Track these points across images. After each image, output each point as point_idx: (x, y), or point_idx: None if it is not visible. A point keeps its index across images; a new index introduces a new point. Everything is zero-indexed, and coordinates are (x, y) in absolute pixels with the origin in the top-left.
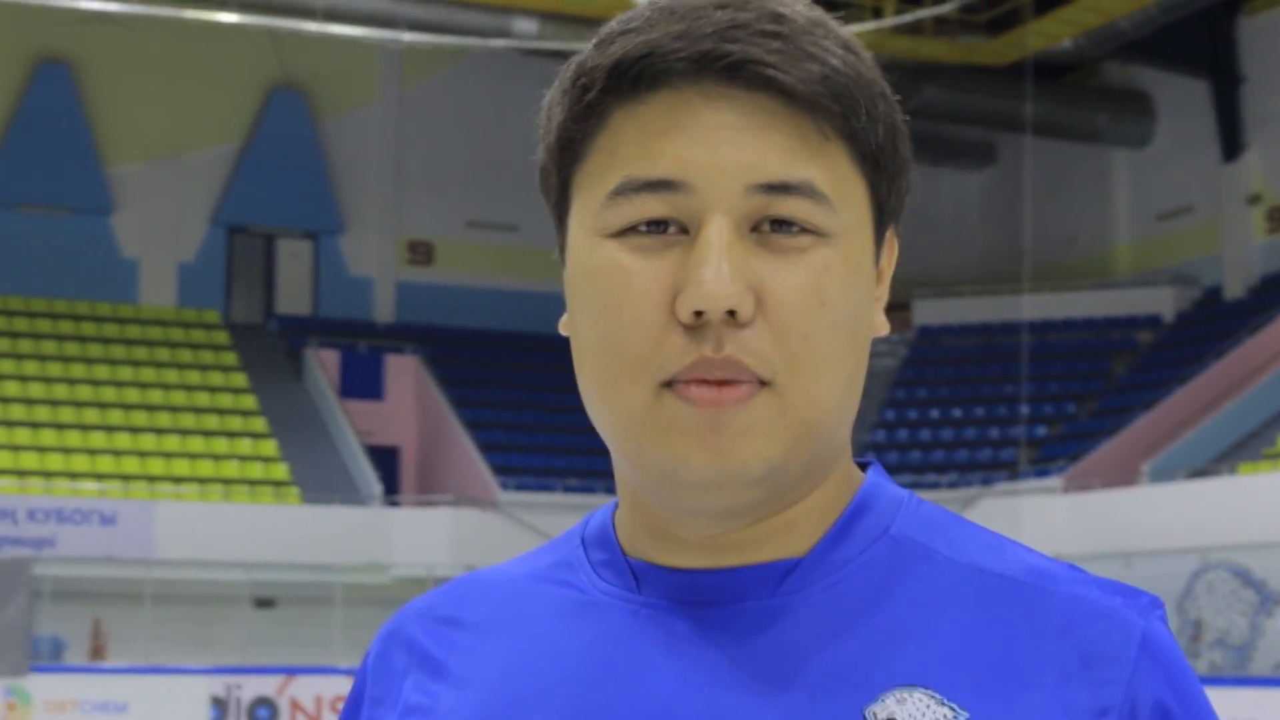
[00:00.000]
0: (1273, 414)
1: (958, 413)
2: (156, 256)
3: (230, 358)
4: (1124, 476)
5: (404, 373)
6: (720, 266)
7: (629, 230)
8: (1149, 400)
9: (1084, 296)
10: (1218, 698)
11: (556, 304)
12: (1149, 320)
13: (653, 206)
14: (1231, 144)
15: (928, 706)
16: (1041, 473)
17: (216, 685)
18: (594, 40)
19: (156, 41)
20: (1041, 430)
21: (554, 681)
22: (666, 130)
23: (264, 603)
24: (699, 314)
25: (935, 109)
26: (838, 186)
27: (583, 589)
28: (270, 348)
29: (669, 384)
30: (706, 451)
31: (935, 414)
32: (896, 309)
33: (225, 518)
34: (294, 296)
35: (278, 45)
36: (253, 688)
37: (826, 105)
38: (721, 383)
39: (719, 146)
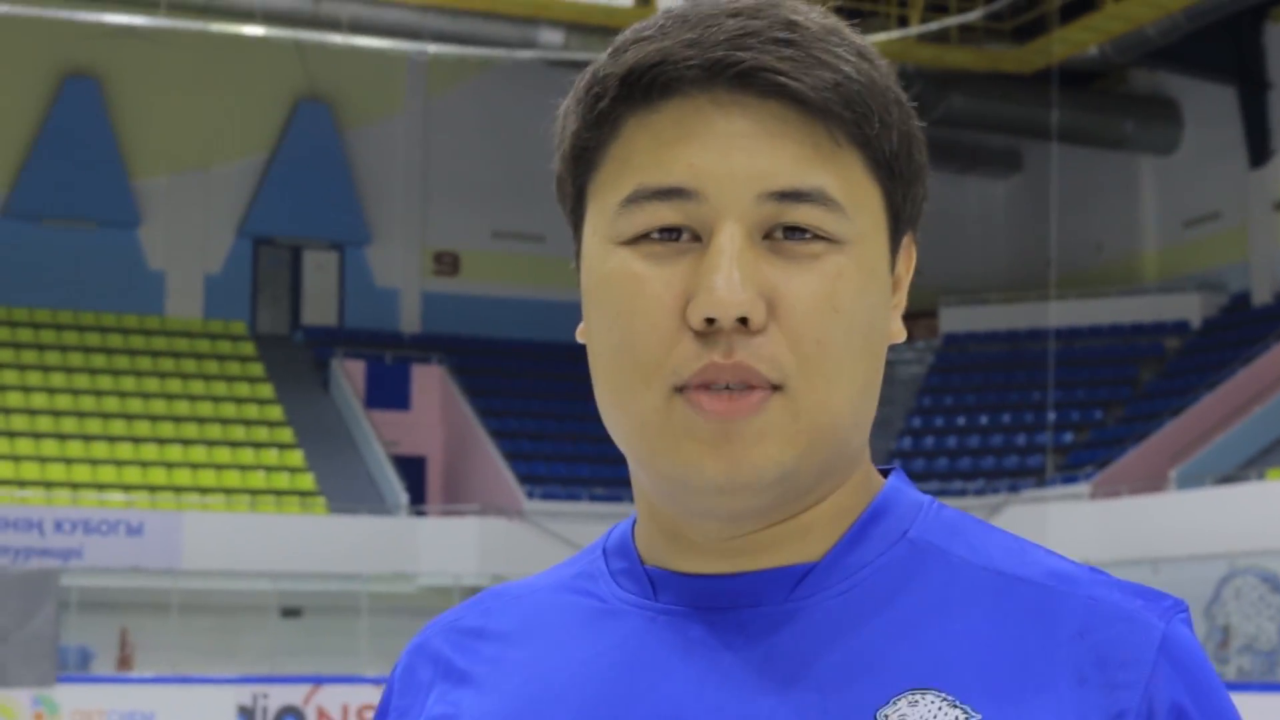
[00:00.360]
0: None
1: (984, 420)
2: (183, 268)
3: (256, 369)
4: (1151, 483)
5: (430, 383)
6: (732, 274)
7: (642, 238)
8: (1176, 406)
9: (1111, 303)
10: (1246, 703)
11: (581, 314)
12: (1176, 326)
13: (665, 214)
14: (1259, 150)
15: (940, 708)
16: (1069, 479)
17: (243, 694)
18: (608, 49)
19: (183, 55)
20: (1068, 437)
21: (572, 686)
22: (679, 138)
23: (290, 612)
24: (710, 321)
25: (961, 117)
26: (851, 193)
27: (603, 598)
28: (296, 358)
29: (681, 390)
30: (719, 458)
31: (962, 421)
32: (923, 316)
33: (252, 528)
34: (320, 307)
35: (303, 57)
36: (279, 697)
37: (839, 112)
38: (731, 391)
39: (731, 154)
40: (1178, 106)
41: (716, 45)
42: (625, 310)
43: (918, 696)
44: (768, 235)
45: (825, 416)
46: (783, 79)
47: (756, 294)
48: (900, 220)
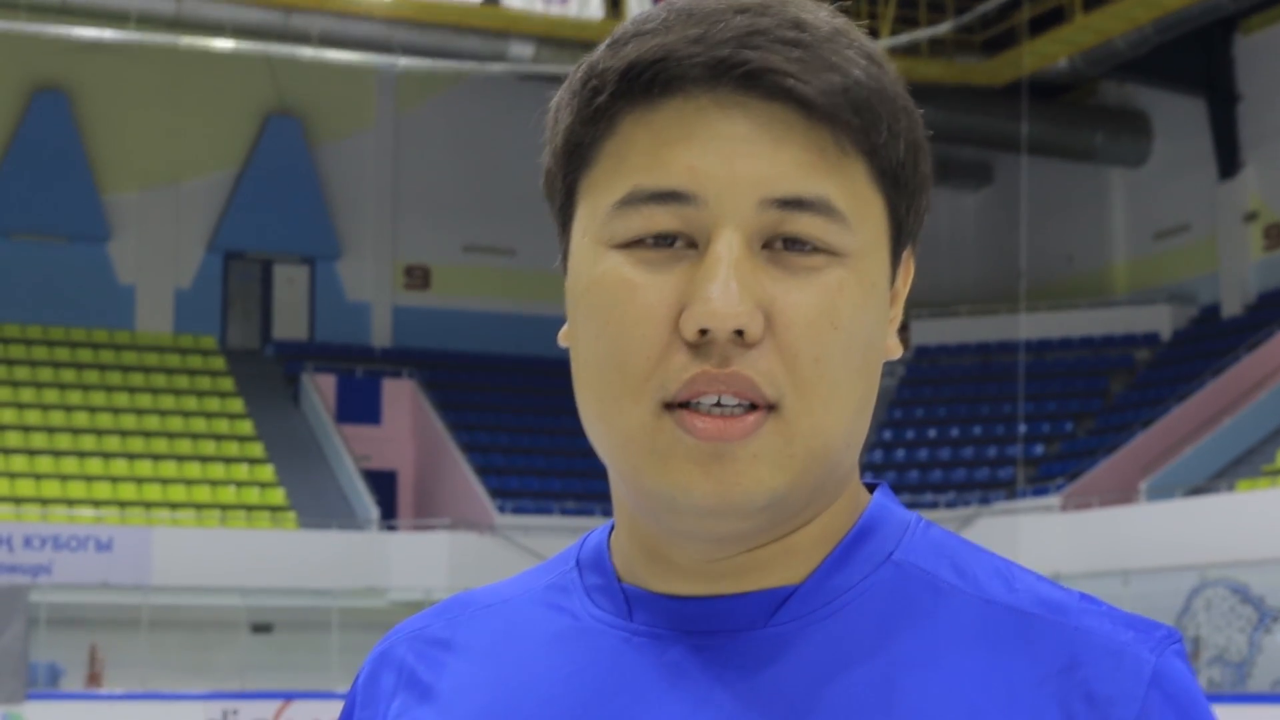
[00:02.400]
0: (1270, 431)
1: (955, 432)
2: (153, 283)
3: (227, 383)
4: (1122, 494)
5: (401, 397)
6: (729, 284)
7: (635, 242)
8: (1147, 418)
9: (1081, 315)
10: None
11: (554, 327)
12: (1146, 338)
13: (661, 218)
14: (1228, 162)
15: None
16: (1039, 491)
17: (213, 711)
18: (606, 40)
19: (152, 69)
20: (1039, 449)
21: (540, 709)
22: (678, 139)
23: (261, 628)
24: (704, 332)
25: (931, 129)
26: (855, 204)
27: (575, 614)
28: (267, 373)
29: (671, 407)
30: (708, 479)
31: (933, 434)
32: None
33: (222, 543)
34: (290, 322)
35: (273, 72)
36: (250, 713)
37: (846, 118)
38: (725, 411)
39: (732, 158)
40: (1147, 119)
41: (722, 43)
42: (615, 318)
43: None
44: (767, 244)
45: (819, 440)
46: (790, 82)
47: (754, 306)
48: (902, 233)
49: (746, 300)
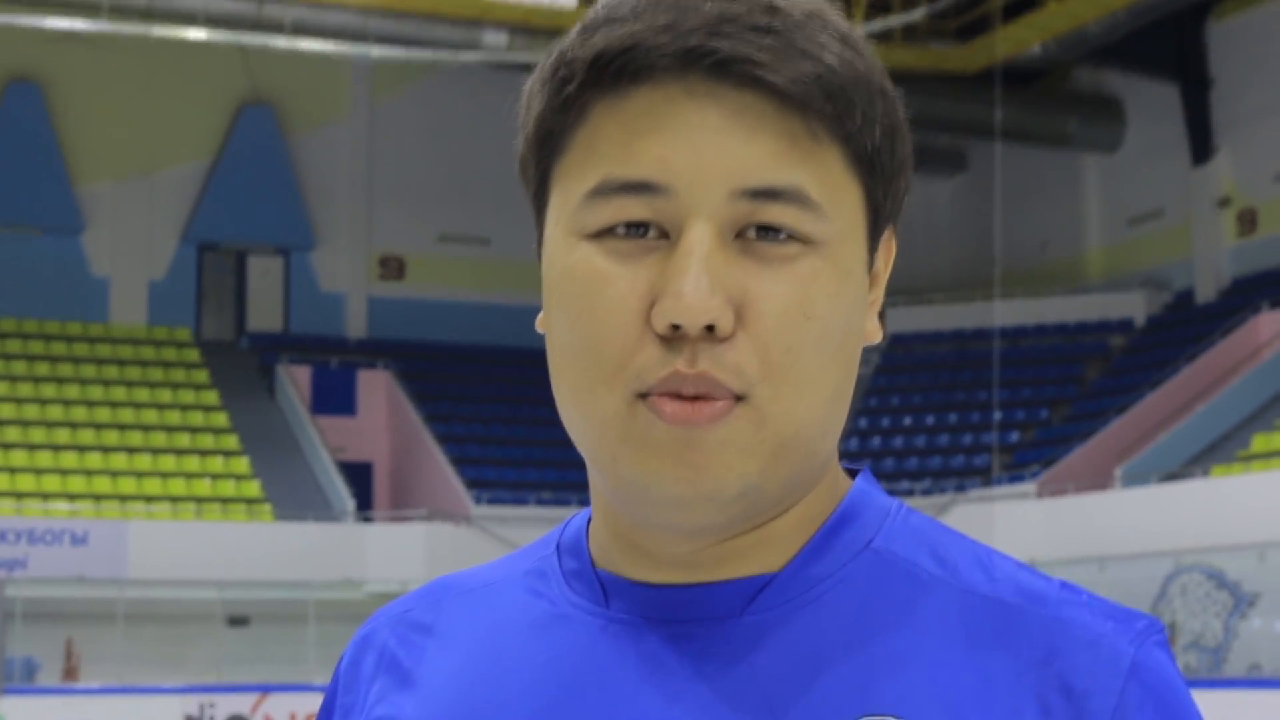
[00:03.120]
0: (1245, 416)
1: (931, 419)
2: (127, 275)
3: (202, 375)
4: (1097, 481)
5: (376, 388)
6: (700, 278)
7: (606, 232)
8: (1121, 404)
9: (1056, 302)
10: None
11: (528, 317)
12: (1121, 324)
13: (632, 209)
14: (1201, 147)
15: None
16: (1015, 478)
17: (190, 705)
18: (577, 27)
19: (126, 60)
20: (1015, 436)
21: (516, 695)
22: (648, 129)
23: (238, 621)
24: (675, 327)
25: (905, 116)
26: (829, 191)
27: (553, 600)
28: (242, 365)
29: (644, 395)
30: (680, 468)
31: (909, 421)
32: None
33: (198, 536)
34: (265, 313)
35: (247, 61)
36: (227, 706)
37: (819, 106)
38: (695, 398)
39: (703, 148)
40: (1121, 104)
41: (692, 31)
42: (587, 308)
43: None
44: (740, 234)
45: (791, 427)
46: (760, 70)
47: (725, 300)
48: (880, 216)
49: (717, 294)
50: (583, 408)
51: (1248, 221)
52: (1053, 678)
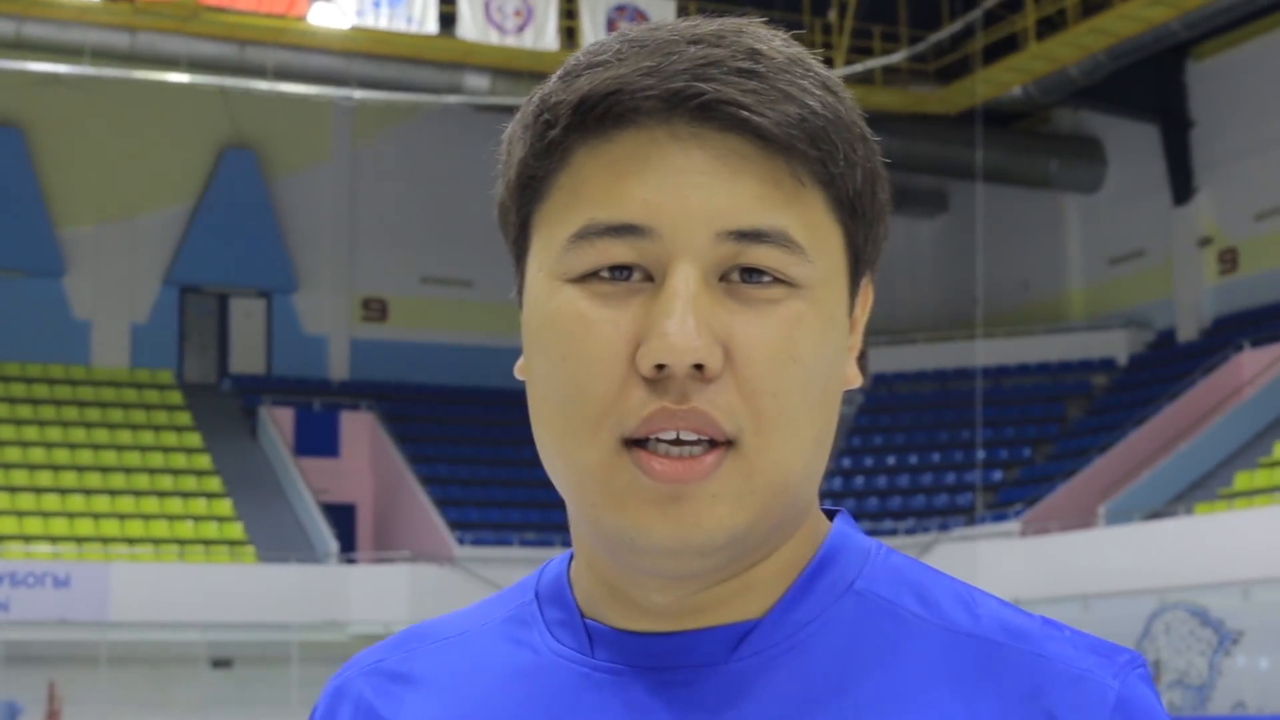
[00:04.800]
0: (1228, 454)
1: (914, 459)
2: (109, 317)
3: (184, 418)
4: (1081, 519)
5: (359, 430)
6: (686, 318)
7: (590, 275)
8: (1104, 443)
9: (1038, 341)
10: None
11: (511, 359)
12: (1103, 364)
13: (616, 252)
14: (1182, 187)
15: None
16: (998, 517)
17: None
18: (559, 72)
19: (107, 103)
20: (998, 475)
21: None
22: (633, 171)
23: (221, 663)
24: (661, 368)
25: (886, 158)
26: (812, 235)
27: (536, 649)
28: (224, 407)
29: (629, 444)
30: (667, 520)
31: (891, 460)
32: None
33: (181, 578)
34: (248, 355)
35: (229, 105)
36: None
37: (803, 149)
38: (683, 452)
39: (688, 191)
40: (1101, 145)
41: (676, 75)
42: (571, 354)
43: None
44: (724, 277)
45: (779, 475)
46: (745, 113)
47: (712, 340)
48: (860, 261)
49: (704, 334)
50: (565, 456)
51: (1229, 261)
52: (1039, 713)
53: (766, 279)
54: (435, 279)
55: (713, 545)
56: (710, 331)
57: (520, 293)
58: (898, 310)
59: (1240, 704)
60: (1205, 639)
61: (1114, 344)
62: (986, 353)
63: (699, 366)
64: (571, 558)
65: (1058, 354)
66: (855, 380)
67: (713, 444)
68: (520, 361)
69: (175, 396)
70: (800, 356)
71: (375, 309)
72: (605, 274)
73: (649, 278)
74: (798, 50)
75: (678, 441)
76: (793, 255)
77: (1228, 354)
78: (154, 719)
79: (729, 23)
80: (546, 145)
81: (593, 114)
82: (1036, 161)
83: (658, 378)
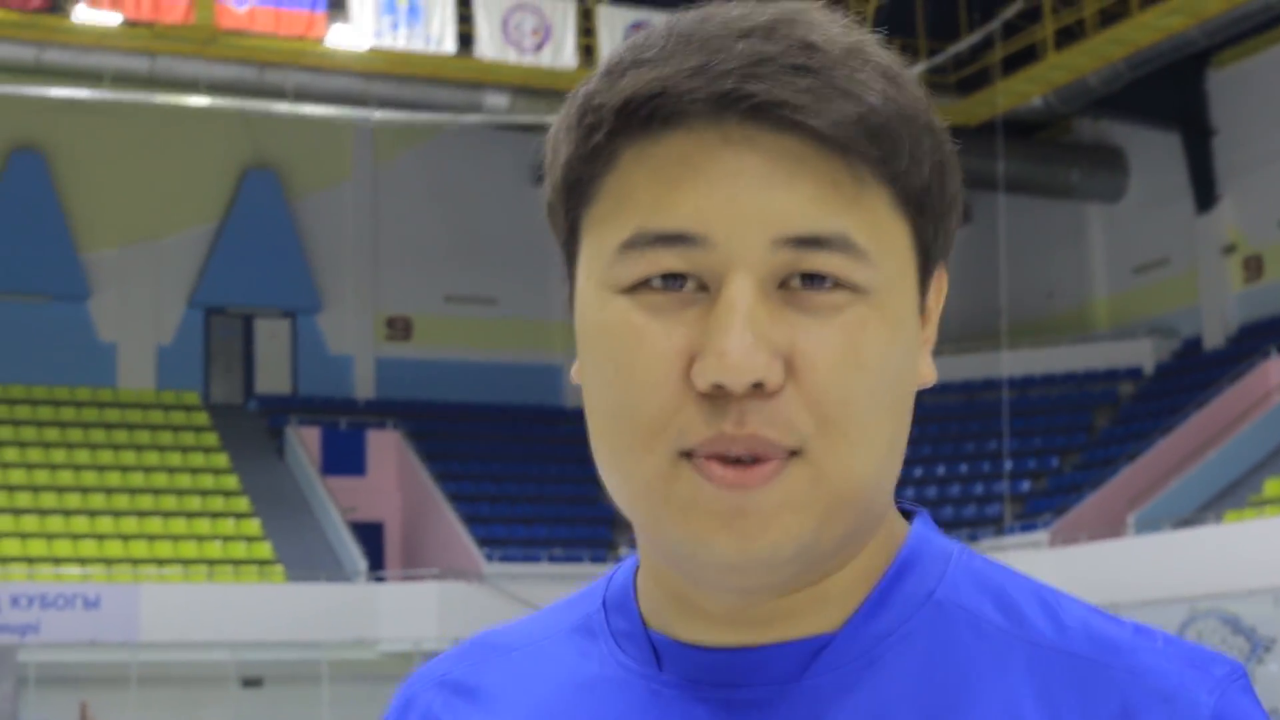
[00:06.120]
0: (1256, 461)
1: (941, 470)
2: (134, 340)
3: (211, 438)
4: (1110, 528)
5: (385, 448)
6: (743, 334)
7: (642, 285)
8: (1132, 452)
9: (1063, 351)
10: None
11: (536, 375)
12: (1129, 372)
13: (668, 261)
14: (1205, 195)
15: None
16: (1027, 527)
17: None
18: (603, 67)
19: (129, 127)
20: (1026, 485)
21: None
22: (682, 176)
23: (251, 682)
24: (719, 385)
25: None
26: (876, 236)
27: (602, 661)
28: (251, 427)
29: (688, 454)
30: (731, 534)
31: (919, 472)
32: None
33: (210, 598)
34: (273, 376)
35: (250, 127)
36: None
37: (863, 149)
38: (745, 461)
39: (741, 196)
40: (1123, 154)
41: (725, 75)
42: (625, 365)
43: None
44: (783, 284)
45: (849, 483)
46: (799, 115)
47: (772, 354)
48: (931, 256)
49: (763, 350)
50: (623, 470)
51: (1254, 268)
52: None
53: (828, 285)
54: (459, 297)
55: (780, 558)
56: (769, 345)
57: (572, 296)
58: None
59: (1275, 711)
60: (1237, 647)
61: (1140, 353)
62: (1012, 363)
63: (758, 384)
64: (638, 565)
65: (1084, 363)
66: (930, 377)
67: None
68: (576, 366)
69: (201, 417)
70: (866, 363)
71: (399, 328)
72: (657, 283)
73: (703, 287)
74: (857, 38)
75: (738, 461)
76: (855, 260)
77: (1254, 361)
78: None
79: (783, 9)
80: (591, 149)
81: (638, 116)
82: (1058, 171)
83: (716, 394)
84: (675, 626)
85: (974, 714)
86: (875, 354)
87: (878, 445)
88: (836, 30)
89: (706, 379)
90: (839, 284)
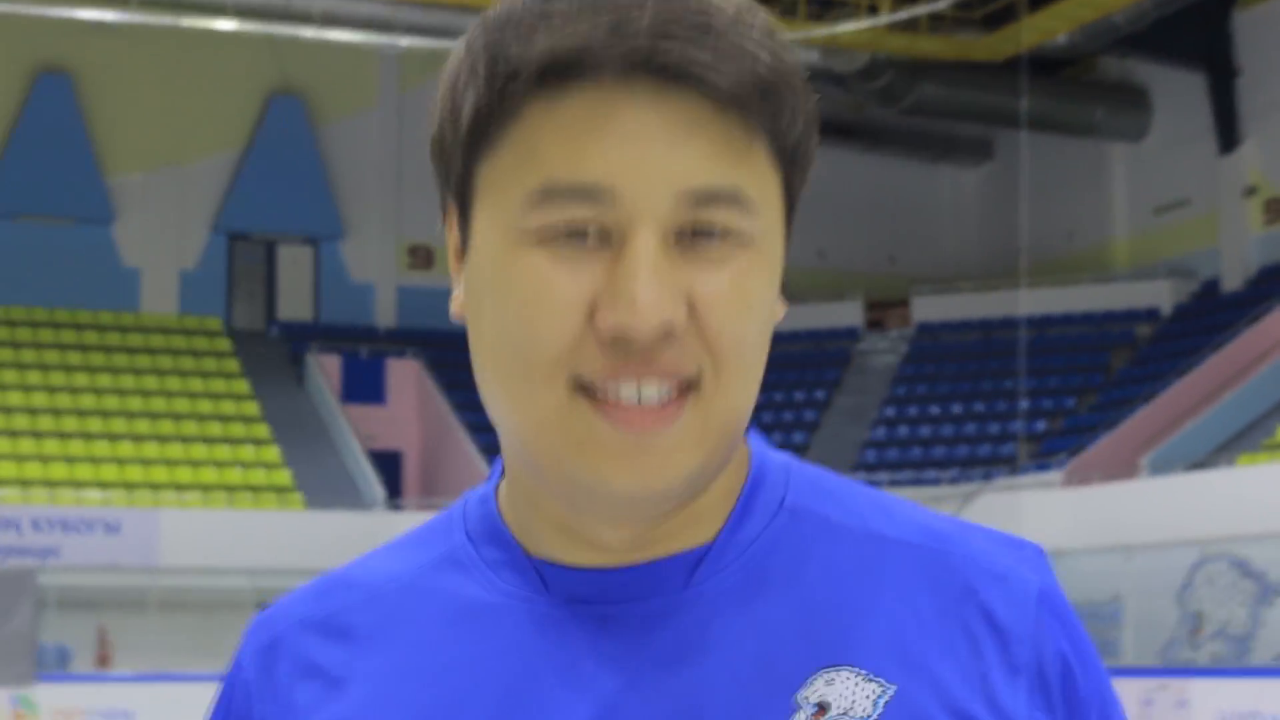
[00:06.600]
0: (1271, 405)
1: (957, 408)
2: (158, 265)
3: (232, 364)
4: (1123, 470)
5: (406, 377)
6: (651, 283)
7: (547, 234)
8: (1148, 393)
9: (1082, 291)
10: (1219, 689)
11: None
12: (1147, 314)
13: (576, 212)
14: (1228, 136)
15: (856, 684)
16: (1041, 467)
17: None
18: (502, 14)
19: (155, 50)
20: (1041, 425)
21: (468, 693)
22: (591, 131)
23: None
24: (622, 337)
25: (932, 106)
26: (761, 188)
27: (484, 590)
28: (272, 354)
29: (586, 391)
30: (630, 471)
31: (935, 410)
32: (896, 306)
33: (229, 524)
34: (295, 302)
35: (276, 52)
36: None
37: (756, 107)
38: (643, 403)
39: (647, 152)
40: (1147, 93)
41: (637, 34)
42: (529, 305)
43: (833, 675)
44: (680, 235)
45: (732, 417)
46: (704, 72)
47: (676, 302)
48: (794, 204)
49: (668, 297)
50: (517, 402)
51: (1274, 210)
52: (976, 610)
53: (720, 235)
54: None
55: (673, 491)
56: (673, 292)
57: (465, 234)
58: (943, 259)
59: None
60: (1247, 590)
61: (1159, 294)
62: (1031, 302)
63: (668, 332)
64: (493, 493)
65: (1102, 304)
66: (781, 312)
67: (676, 389)
68: (459, 300)
69: (223, 343)
70: (752, 304)
71: (422, 256)
72: (563, 233)
73: (604, 238)
74: (744, 1)
75: (638, 398)
76: (745, 212)
77: (1272, 304)
78: (203, 664)
79: None
80: (502, 101)
81: (553, 72)
82: (1082, 109)
83: (617, 341)
84: (557, 552)
85: (839, 601)
86: (758, 297)
87: (755, 379)
88: None
89: (614, 320)
90: (730, 233)
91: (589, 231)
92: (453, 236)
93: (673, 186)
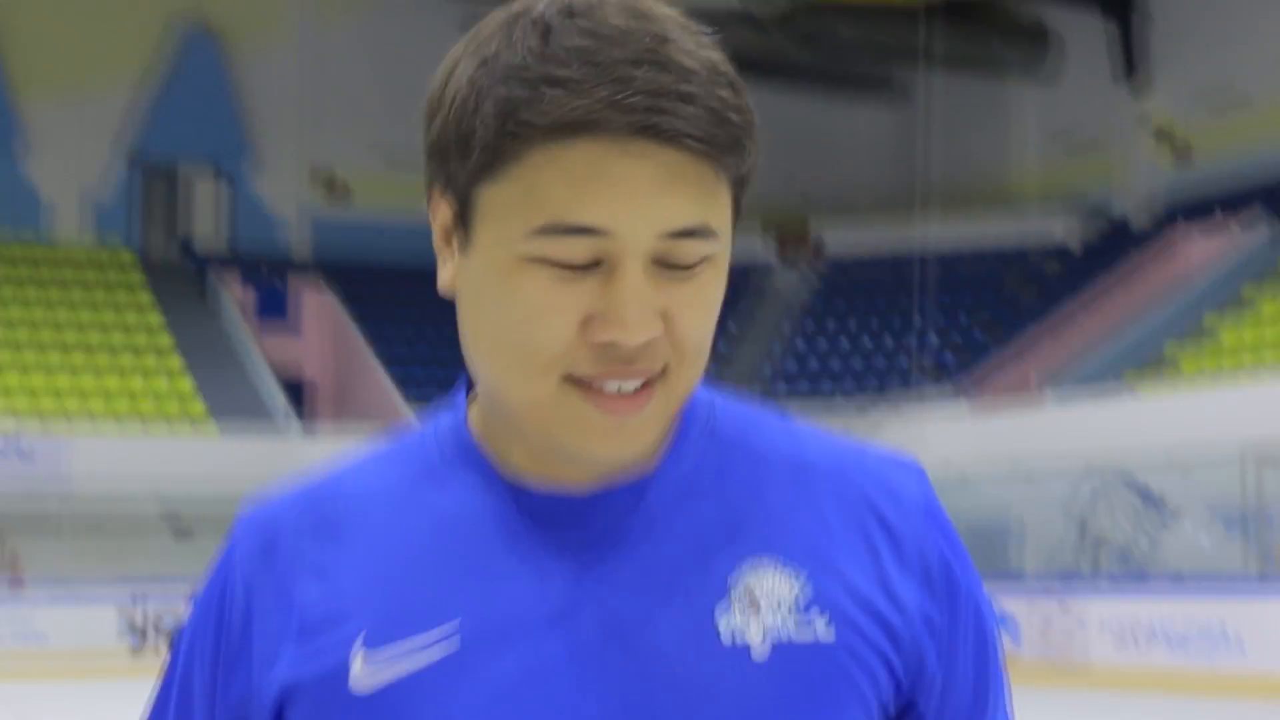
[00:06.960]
0: (1173, 334)
1: (865, 339)
2: (67, 194)
3: (144, 294)
4: (1026, 396)
5: (319, 308)
6: (638, 307)
7: (550, 260)
8: (1052, 323)
9: (990, 226)
10: (1118, 609)
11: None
12: (1055, 248)
13: (576, 247)
14: (1135, 76)
15: (775, 569)
16: (946, 394)
17: (136, 614)
18: (511, 67)
19: None
20: (947, 355)
21: (446, 580)
22: (591, 180)
23: (182, 533)
24: (614, 344)
25: (845, 46)
26: (722, 218)
27: (458, 506)
28: (183, 282)
29: (577, 382)
30: (611, 444)
31: (843, 340)
32: (803, 238)
33: (141, 450)
34: (207, 232)
35: None
36: (167, 607)
37: (727, 160)
38: (630, 392)
39: (639, 199)
40: (1056, 34)
41: (635, 109)
42: (531, 316)
43: (756, 562)
44: (657, 261)
45: (688, 390)
46: (689, 139)
47: (656, 316)
48: (739, 214)
49: (650, 316)
50: (511, 382)
51: (1182, 150)
52: (872, 519)
53: (694, 261)
54: (398, 161)
55: (641, 453)
56: (653, 311)
57: (465, 238)
58: (853, 195)
59: (1178, 577)
60: (1146, 514)
61: (1066, 229)
62: (938, 237)
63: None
64: (464, 418)
65: (1009, 239)
66: None
67: (647, 381)
68: (448, 277)
69: (134, 272)
70: (712, 307)
71: (337, 188)
72: (565, 261)
73: (596, 263)
74: (709, 55)
75: (619, 391)
76: (712, 240)
77: (1176, 240)
78: (115, 588)
79: (651, 26)
80: (510, 145)
81: (558, 132)
82: (991, 50)
83: (609, 349)
84: (528, 480)
85: (761, 510)
86: (716, 299)
87: (706, 359)
88: (699, 49)
89: (606, 335)
90: (699, 259)
91: (584, 258)
92: (441, 220)
93: (657, 228)
